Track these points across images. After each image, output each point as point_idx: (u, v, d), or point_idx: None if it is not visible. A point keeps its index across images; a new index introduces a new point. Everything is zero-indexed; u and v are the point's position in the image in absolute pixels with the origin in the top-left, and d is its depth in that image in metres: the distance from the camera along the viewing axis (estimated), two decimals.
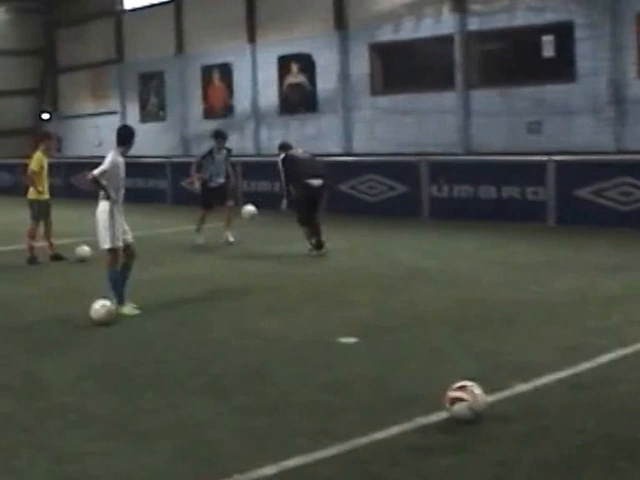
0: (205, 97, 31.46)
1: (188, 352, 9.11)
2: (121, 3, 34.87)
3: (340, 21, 26.42)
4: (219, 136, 18.00)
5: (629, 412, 6.84)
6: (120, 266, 11.04)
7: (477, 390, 6.60)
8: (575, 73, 21.15)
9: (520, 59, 22.78)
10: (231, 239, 17.37)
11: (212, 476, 5.77)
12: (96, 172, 10.89)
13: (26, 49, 37.85)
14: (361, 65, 25.89)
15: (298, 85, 27.82)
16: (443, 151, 22.31)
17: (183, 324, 10.45)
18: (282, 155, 15.85)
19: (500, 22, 22.55)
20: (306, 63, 27.42)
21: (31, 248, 15.50)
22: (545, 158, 18.54)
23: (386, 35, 25.21)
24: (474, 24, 23.17)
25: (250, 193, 24.08)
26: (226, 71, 30.38)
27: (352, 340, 9.24)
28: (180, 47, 32.16)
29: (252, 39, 29.16)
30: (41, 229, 15.84)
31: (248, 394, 7.54)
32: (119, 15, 34.84)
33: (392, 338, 9.39)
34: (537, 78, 21.78)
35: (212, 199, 17.53)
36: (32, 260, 15.43)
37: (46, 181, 15.99)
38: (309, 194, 15.47)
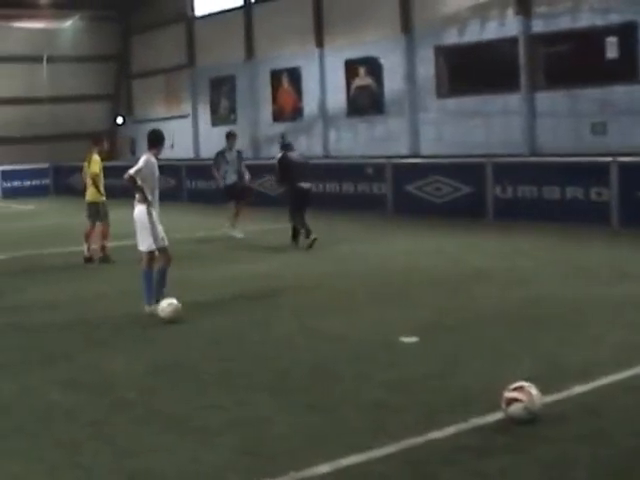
0: (274, 100, 31.79)
1: (253, 349, 9.28)
2: (193, 10, 35.42)
3: (406, 24, 26.54)
4: (230, 137, 19.68)
5: None
6: (157, 269, 11.16)
7: (533, 391, 6.61)
8: (639, 74, 20.92)
9: (584, 60, 22.59)
10: (240, 234, 18.76)
11: (269, 473, 5.85)
12: (132, 171, 11.03)
13: (101, 55, 38.64)
14: (427, 67, 25.98)
15: (365, 88, 27.95)
16: (508, 152, 22.27)
17: (249, 322, 10.62)
18: (280, 154, 17.54)
19: (564, 24, 22.43)
20: (373, 66, 27.57)
21: (89, 248, 15.89)
22: (609, 159, 18.39)
23: (451, 38, 25.30)
24: (538, 26, 23.10)
25: (318, 195, 24.25)
26: (295, 75, 30.66)
27: (413, 339, 9.33)
28: (250, 52, 32.52)
29: (320, 43, 29.42)
30: (97, 230, 16.06)
31: (310, 391, 7.68)
32: (191, 21, 35.38)
33: (453, 337, 9.46)
34: (601, 79, 21.62)
35: (231, 194, 19.18)
36: (89, 260, 15.77)
37: (102, 183, 16.23)
38: (299, 195, 17.19)
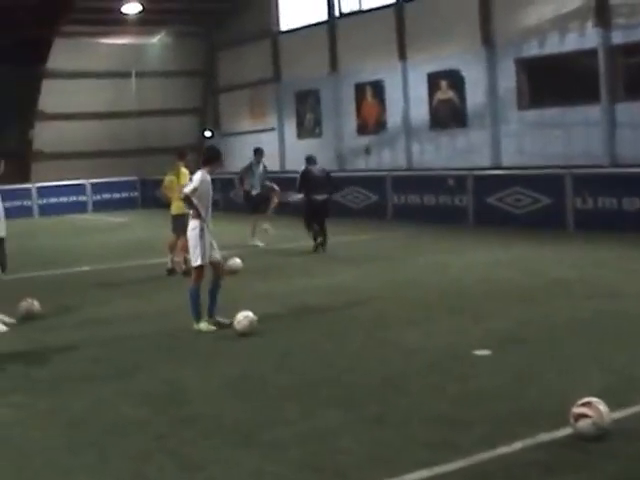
0: (359, 113, 31.89)
1: (325, 362, 9.31)
2: (278, 25, 35.78)
3: (487, 37, 26.51)
4: (257, 152, 20.90)
5: None
6: (210, 283, 11.22)
7: (602, 406, 6.51)
8: None
9: None
10: (259, 243, 19.83)
11: None
12: (187, 190, 11.11)
13: (188, 70, 39.27)
14: (508, 80, 25.91)
15: (448, 101, 27.92)
16: (588, 163, 22.02)
17: (323, 334, 10.66)
18: (304, 167, 19.17)
19: None
20: (455, 79, 27.56)
21: (172, 260, 16.17)
22: None
23: (531, 50, 25.23)
24: (617, 37, 22.91)
25: (399, 206, 24.35)
26: (378, 88, 30.74)
27: (486, 352, 9.27)
28: (334, 65, 32.69)
29: (403, 57, 29.47)
30: (181, 243, 16.14)
31: (379, 404, 7.66)
32: (275, 36, 35.75)
33: (526, 350, 9.37)
34: None
35: (255, 205, 20.30)
36: (172, 271, 16.05)
37: None
38: (313, 206, 18.82)
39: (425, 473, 6.02)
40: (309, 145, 33.80)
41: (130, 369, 9.39)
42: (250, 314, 10.78)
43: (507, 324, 10.68)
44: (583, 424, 6.46)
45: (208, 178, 11.23)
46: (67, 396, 8.48)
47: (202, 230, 11.09)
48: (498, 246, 18.08)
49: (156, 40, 38.09)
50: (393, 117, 30.19)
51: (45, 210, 34.75)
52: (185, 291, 11.51)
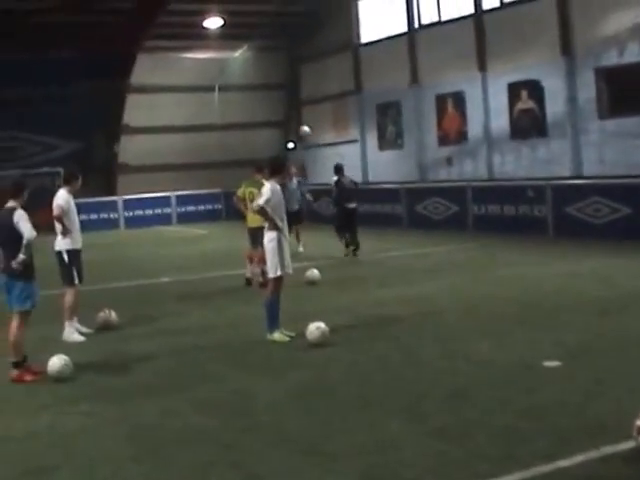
0: (440, 125, 31.90)
1: (394, 373, 9.34)
2: (358, 38, 36.00)
3: (566, 47, 26.37)
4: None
5: None
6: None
7: None
8: None
9: None
10: (301, 249, 20.63)
11: None
12: (261, 201, 11.14)
13: (270, 84, 39.80)
14: (588, 89, 25.73)
15: (528, 110, 27.78)
16: None
17: (394, 345, 10.69)
18: (336, 177, 20.42)
19: None
20: (535, 89, 27.45)
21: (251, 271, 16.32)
22: None
23: (611, 59, 25.06)
24: None
25: (480, 216, 24.23)
26: (459, 99, 30.74)
27: (556, 363, 9.20)
28: (415, 77, 32.78)
29: (483, 68, 29.45)
30: (258, 254, 16.32)
31: (444, 416, 7.67)
32: (356, 49, 35.99)
33: (596, 362, 9.28)
34: None
35: (290, 223, 19.98)
36: (250, 281, 16.25)
37: None
38: (344, 214, 20.04)
39: None
40: (391, 157, 34.01)
41: (201, 379, 9.55)
42: (322, 325, 10.86)
43: (579, 335, 10.58)
44: None
45: (278, 188, 11.29)
46: (135, 405, 8.67)
47: (279, 241, 11.19)
48: (576, 257, 17.87)
49: (238, 54, 38.65)
50: (474, 128, 30.18)
51: (131, 222, 35.47)
52: (259, 303, 11.64)
